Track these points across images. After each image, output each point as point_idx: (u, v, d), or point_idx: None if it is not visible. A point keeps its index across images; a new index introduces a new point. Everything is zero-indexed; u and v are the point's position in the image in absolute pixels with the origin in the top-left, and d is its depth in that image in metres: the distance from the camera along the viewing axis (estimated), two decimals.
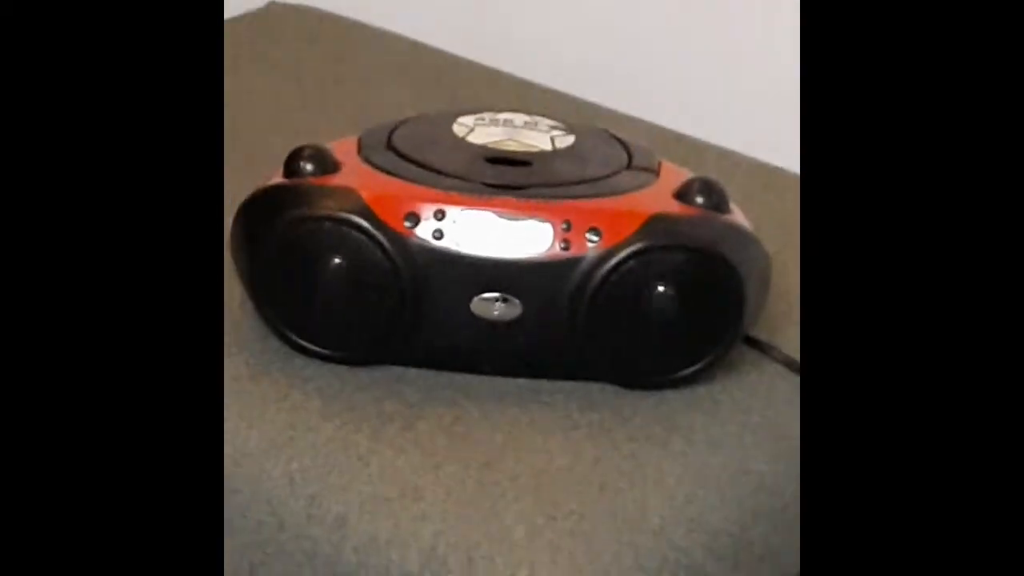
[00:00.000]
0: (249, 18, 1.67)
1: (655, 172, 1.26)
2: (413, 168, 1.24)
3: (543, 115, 1.32)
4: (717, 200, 1.23)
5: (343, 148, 1.26)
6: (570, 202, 1.21)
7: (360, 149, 1.26)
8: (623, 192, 1.23)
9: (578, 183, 1.23)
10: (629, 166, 1.27)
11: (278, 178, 1.24)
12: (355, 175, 1.23)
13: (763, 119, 1.59)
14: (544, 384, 1.24)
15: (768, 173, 1.48)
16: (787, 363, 1.26)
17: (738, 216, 1.24)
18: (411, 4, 1.72)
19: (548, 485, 1.16)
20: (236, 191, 1.27)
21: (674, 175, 1.26)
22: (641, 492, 1.17)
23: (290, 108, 1.51)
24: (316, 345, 1.23)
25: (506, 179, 1.23)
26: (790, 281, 1.34)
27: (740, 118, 1.59)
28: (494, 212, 1.20)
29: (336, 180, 1.22)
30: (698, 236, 1.21)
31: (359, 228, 1.20)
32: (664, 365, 1.23)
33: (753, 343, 1.27)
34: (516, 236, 1.20)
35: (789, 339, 1.29)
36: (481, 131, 1.28)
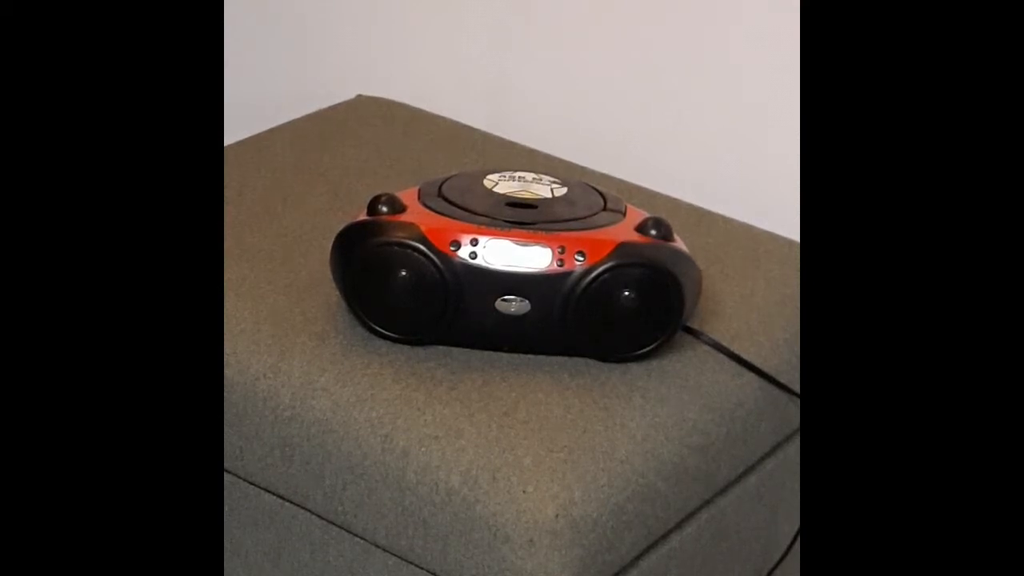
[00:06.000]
0: (343, 106, 1.67)
1: (622, 213, 1.25)
2: (456, 209, 1.23)
3: (545, 173, 1.32)
4: (665, 232, 1.22)
5: (408, 195, 1.25)
6: (564, 233, 1.20)
7: (419, 196, 1.25)
8: (600, 226, 1.22)
9: (569, 220, 1.22)
10: (604, 208, 1.25)
11: (363, 216, 1.24)
12: (416, 214, 1.22)
13: (696, 173, 1.60)
14: (545, 359, 1.22)
15: (700, 213, 1.48)
16: (712, 344, 1.25)
17: (679, 243, 1.23)
18: (456, 97, 1.72)
19: (548, 428, 1.16)
20: (335, 225, 1.27)
21: (635, 214, 1.25)
22: (612, 433, 1.17)
23: (371, 169, 1.51)
24: (389, 331, 1.22)
25: (520, 217, 1.22)
26: (715, 288, 1.34)
27: (680, 172, 1.59)
28: (511, 240, 1.20)
29: (403, 217, 1.22)
30: (652, 257, 1.20)
31: (418, 250, 1.19)
32: (628, 345, 1.22)
33: (688, 330, 1.26)
34: (526, 256, 1.19)
35: (713, 327, 1.28)
36: (503, 184, 1.27)
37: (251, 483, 1.25)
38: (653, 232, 1.22)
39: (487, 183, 1.27)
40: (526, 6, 1.67)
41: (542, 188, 1.27)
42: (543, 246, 1.19)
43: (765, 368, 1.27)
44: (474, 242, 1.19)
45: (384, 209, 1.22)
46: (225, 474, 1.27)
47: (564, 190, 1.27)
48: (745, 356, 1.26)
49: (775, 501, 1.34)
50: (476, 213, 1.22)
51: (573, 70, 1.66)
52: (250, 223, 1.39)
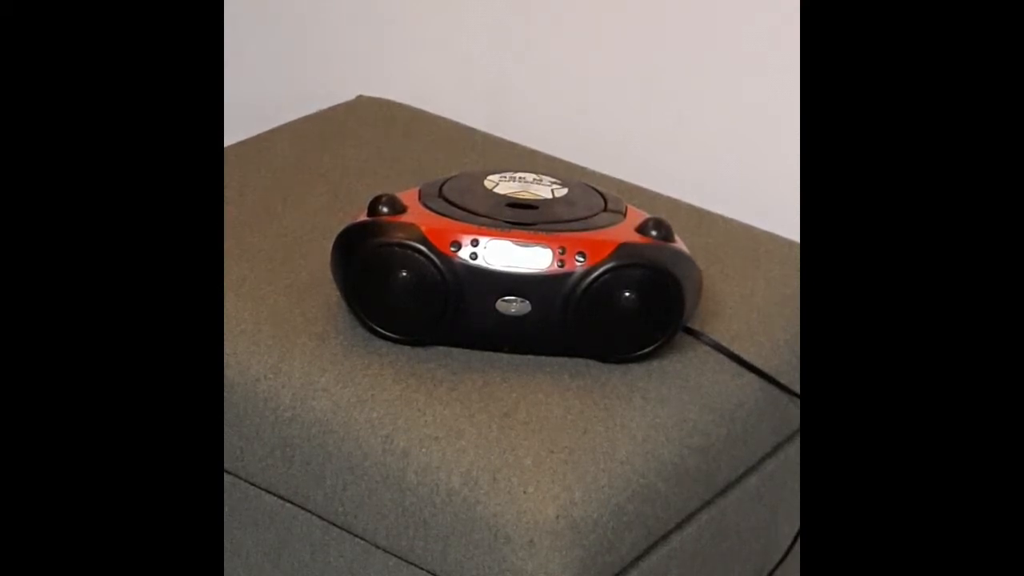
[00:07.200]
0: (344, 107, 1.67)
1: (623, 213, 1.25)
2: (456, 210, 1.23)
3: (546, 174, 1.32)
4: (665, 233, 1.22)
5: (408, 196, 1.25)
6: (564, 234, 1.20)
7: (420, 196, 1.25)
8: (600, 227, 1.22)
9: (570, 221, 1.22)
10: (605, 209, 1.25)
11: (363, 216, 1.24)
12: (417, 215, 1.22)
13: (698, 175, 1.59)
14: (545, 359, 1.22)
15: (700, 214, 1.48)
16: (712, 345, 1.25)
17: (680, 244, 1.23)
18: (456, 98, 1.72)
19: (549, 429, 1.16)
20: (335, 225, 1.27)
21: (636, 215, 1.25)
22: (612, 434, 1.17)
23: (371, 169, 1.51)
24: (389, 331, 1.22)
25: (520, 218, 1.22)
26: (715, 289, 1.34)
27: (680, 172, 1.59)
28: (512, 241, 1.20)
29: (403, 218, 1.22)
30: (652, 258, 1.20)
31: (419, 251, 1.19)
32: (629, 346, 1.22)
33: (689, 331, 1.26)
34: (527, 257, 1.19)
35: (714, 328, 1.28)
36: (504, 185, 1.27)
37: (252, 484, 1.25)
38: (653, 233, 1.22)
39: (487, 184, 1.27)
40: (526, 6, 1.67)
41: (542, 189, 1.27)
42: (544, 247, 1.19)
43: (765, 369, 1.27)
44: (474, 243, 1.19)
45: (384, 210, 1.23)
46: (226, 475, 1.27)
47: (564, 191, 1.27)
48: (745, 357, 1.26)
49: (775, 502, 1.34)
50: (477, 214, 1.22)
51: (573, 70, 1.66)
52: (250, 223, 1.39)
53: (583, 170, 1.54)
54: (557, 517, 1.11)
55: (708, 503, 1.25)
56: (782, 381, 1.27)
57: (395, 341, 1.22)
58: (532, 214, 1.23)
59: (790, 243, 1.44)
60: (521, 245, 1.19)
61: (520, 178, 1.29)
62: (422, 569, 1.18)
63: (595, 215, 1.24)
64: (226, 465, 1.26)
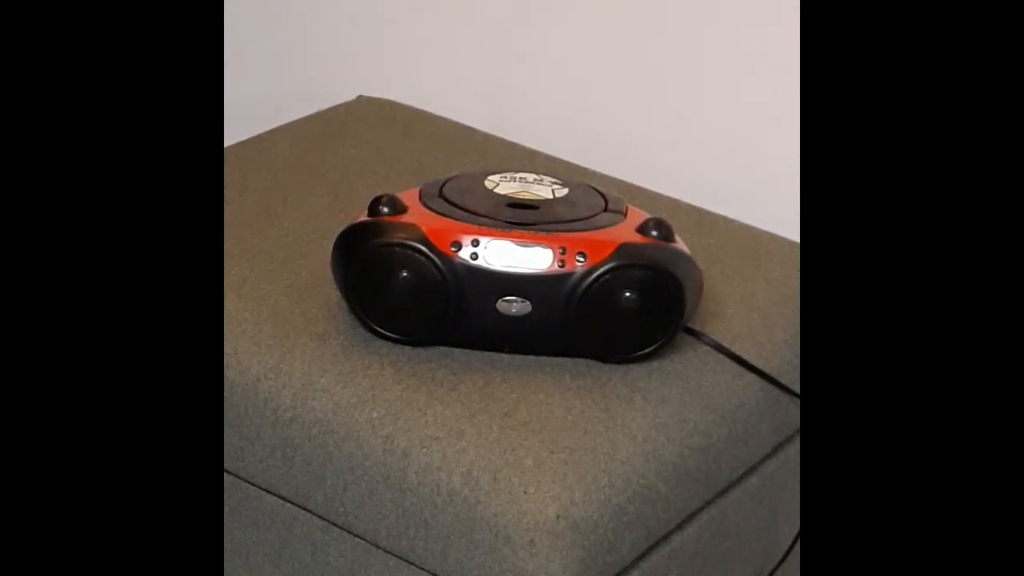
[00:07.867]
0: (344, 107, 1.67)
1: (623, 213, 1.26)
2: (457, 210, 1.23)
3: (546, 174, 1.32)
4: (666, 233, 1.22)
5: (408, 196, 1.25)
6: (565, 234, 1.20)
7: (420, 196, 1.25)
8: (601, 227, 1.22)
9: (570, 221, 1.22)
10: (605, 209, 1.25)
11: (364, 216, 1.24)
12: (417, 215, 1.22)
13: (695, 176, 1.60)
14: (546, 359, 1.22)
15: (700, 214, 1.48)
16: (713, 345, 1.25)
17: (680, 244, 1.23)
18: (457, 98, 1.72)
19: (549, 429, 1.16)
20: (336, 226, 1.27)
21: (636, 215, 1.26)
22: (613, 435, 1.17)
23: (372, 170, 1.51)
24: (389, 331, 1.22)
25: (521, 218, 1.22)
26: (715, 289, 1.34)
27: (680, 172, 1.59)
28: (512, 241, 1.20)
29: (404, 218, 1.22)
30: (653, 258, 1.20)
31: (419, 251, 1.19)
32: (629, 346, 1.22)
33: (689, 331, 1.26)
34: (528, 257, 1.19)
35: (714, 328, 1.28)
36: (504, 185, 1.27)
37: (252, 484, 1.25)
38: (654, 233, 1.22)
39: (488, 184, 1.27)
40: (526, 6, 1.67)
41: (543, 189, 1.27)
42: (544, 247, 1.19)
43: (766, 369, 1.27)
44: (475, 243, 1.19)
45: (385, 210, 1.23)
46: (226, 475, 1.27)
47: (565, 191, 1.28)
48: (746, 357, 1.26)
49: (776, 502, 1.34)
50: (477, 214, 1.22)
51: (573, 70, 1.66)
52: (251, 224, 1.39)
53: (583, 170, 1.54)
54: (558, 517, 1.11)
55: (708, 503, 1.25)
56: (782, 381, 1.28)
57: (395, 341, 1.22)
58: (533, 214, 1.23)
59: (790, 243, 1.44)
60: (522, 245, 1.19)
61: (520, 178, 1.29)
62: (423, 569, 1.18)
63: (595, 215, 1.24)
64: (227, 465, 1.26)
